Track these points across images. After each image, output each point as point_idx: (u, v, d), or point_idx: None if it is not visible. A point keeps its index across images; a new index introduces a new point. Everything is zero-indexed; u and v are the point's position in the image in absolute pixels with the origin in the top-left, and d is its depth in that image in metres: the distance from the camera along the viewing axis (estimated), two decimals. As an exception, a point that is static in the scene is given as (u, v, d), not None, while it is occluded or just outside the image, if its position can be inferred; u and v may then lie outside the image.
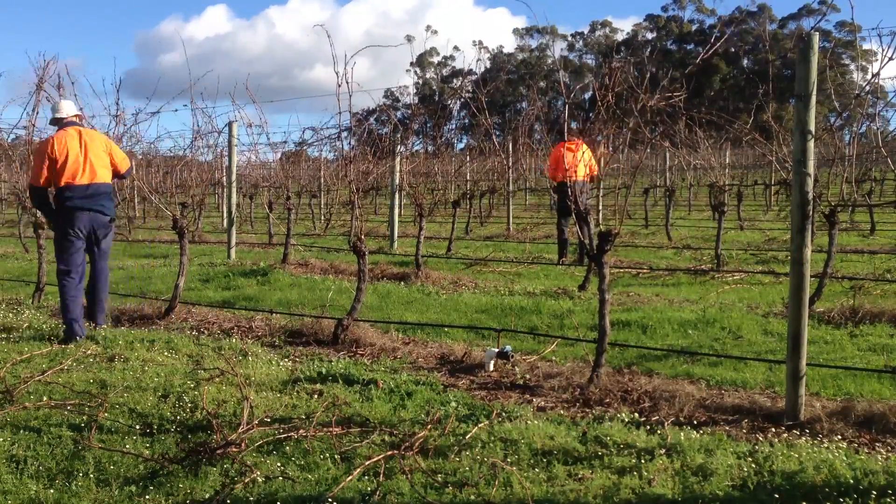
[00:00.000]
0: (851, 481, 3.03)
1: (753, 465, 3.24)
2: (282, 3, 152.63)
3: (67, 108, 6.23)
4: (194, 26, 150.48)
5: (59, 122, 6.16)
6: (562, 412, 4.12)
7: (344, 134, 6.34)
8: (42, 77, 7.51)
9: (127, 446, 3.52)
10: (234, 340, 5.76)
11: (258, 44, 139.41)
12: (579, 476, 3.19)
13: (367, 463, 3.23)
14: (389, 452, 3.33)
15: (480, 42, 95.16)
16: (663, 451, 3.40)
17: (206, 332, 6.30)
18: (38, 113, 7.86)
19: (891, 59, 4.11)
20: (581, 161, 8.98)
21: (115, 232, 6.39)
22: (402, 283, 8.52)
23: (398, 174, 11.81)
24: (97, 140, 6.14)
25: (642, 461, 3.31)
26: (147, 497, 3.07)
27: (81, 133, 6.06)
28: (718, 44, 4.77)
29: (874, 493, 2.92)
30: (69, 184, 5.90)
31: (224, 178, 13.70)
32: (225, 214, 14.96)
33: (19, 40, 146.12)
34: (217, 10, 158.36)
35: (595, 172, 9.61)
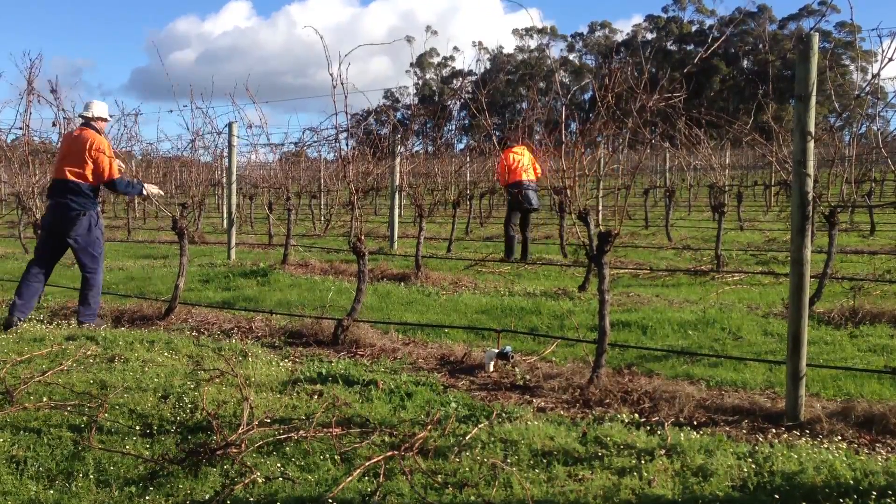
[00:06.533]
0: (851, 482, 3.03)
1: (753, 466, 3.24)
2: (302, 1, 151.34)
3: (95, 110, 6.61)
4: (211, 24, 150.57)
5: (85, 120, 6.59)
6: (562, 413, 4.12)
7: (342, 135, 6.34)
8: (30, 77, 7.55)
9: (127, 447, 3.51)
10: (234, 341, 5.76)
11: (276, 42, 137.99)
12: (579, 477, 3.19)
13: (367, 463, 3.23)
14: (389, 453, 3.33)
15: (480, 43, 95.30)
16: (663, 451, 3.40)
17: (206, 332, 6.29)
18: (30, 114, 7.94)
19: (891, 59, 4.11)
20: (531, 162, 10.19)
21: (101, 230, 6.62)
22: (402, 283, 8.52)
23: (398, 175, 11.82)
24: (81, 143, 6.41)
25: (642, 462, 3.30)
26: (147, 498, 3.06)
27: (81, 133, 6.49)
28: (717, 44, 4.79)
29: (874, 493, 2.92)
30: (52, 178, 6.58)
31: (224, 179, 13.69)
32: (225, 215, 14.95)
33: (23, 40, 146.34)
34: (238, 6, 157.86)
35: (539, 174, 10.41)
